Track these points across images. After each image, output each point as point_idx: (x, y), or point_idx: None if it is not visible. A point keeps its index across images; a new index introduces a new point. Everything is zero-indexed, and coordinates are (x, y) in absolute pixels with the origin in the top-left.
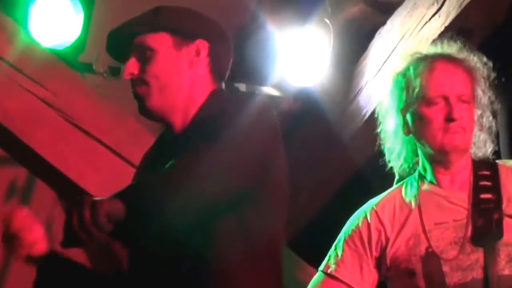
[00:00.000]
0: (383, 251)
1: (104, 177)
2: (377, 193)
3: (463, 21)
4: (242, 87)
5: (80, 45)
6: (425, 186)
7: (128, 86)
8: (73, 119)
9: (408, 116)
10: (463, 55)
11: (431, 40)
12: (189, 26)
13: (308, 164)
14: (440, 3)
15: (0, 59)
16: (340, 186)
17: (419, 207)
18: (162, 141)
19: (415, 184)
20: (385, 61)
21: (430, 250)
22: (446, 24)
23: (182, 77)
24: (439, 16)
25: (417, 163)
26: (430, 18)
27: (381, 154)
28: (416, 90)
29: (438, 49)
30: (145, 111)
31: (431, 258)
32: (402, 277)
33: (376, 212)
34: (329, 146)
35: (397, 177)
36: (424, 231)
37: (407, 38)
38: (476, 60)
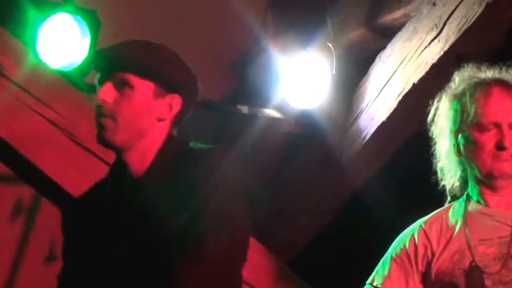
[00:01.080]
0: (428, 266)
1: None
2: (375, 215)
3: (462, 47)
4: (244, 109)
5: (86, 67)
6: (472, 206)
7: None
8: (78, 139)
9: (460, 139)
10: None
11: (431, 65)
12: (173, 80)
13: (308, 187)
14: (439, 28)
15: (8, 80)
16: (338, 208)
17: (465, 225)
18: (117, 180)
19: (462, 204)
20: (385, 84)
21: (473, 264)
22: (446, 48)
23: (149, 125)
24: (439, 41)
25: (467, 183)
26: (430, 43)
27: (378, 176)
28: (471, 116)
29: (496, 74)
30: (104, 142)
31: (474, 272)
32: None
33: (423, 229)
34: (328, 169)
35: (449, 197)
36: (469, 247)
37: (407, 62)
38: None
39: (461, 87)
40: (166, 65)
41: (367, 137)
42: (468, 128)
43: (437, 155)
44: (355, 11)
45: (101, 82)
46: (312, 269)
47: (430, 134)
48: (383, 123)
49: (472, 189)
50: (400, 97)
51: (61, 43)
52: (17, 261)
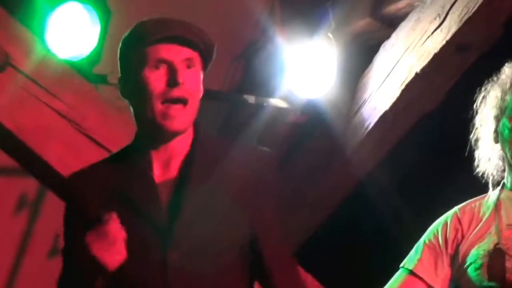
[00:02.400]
0: (457, 248)
1: None
2: (379, 207)
3: (464, 36)
4: (251, 99)
5: (95, 57)
6: (505, 193)
7: None
8: (87, 130)
9: (499, 126)
10: None
11: (433, 54)
12: (211, 58)
13: (312, 177)
14: (442, 17)
15: (16, 70)
16: (341, 200)
17: (495, 210)
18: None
19: (497, 192)
20: (388, 74)
21: (498, 246)
22: (448, 38)
23: (198, 106)
24: (441, 31)
25: (504, 170)
26: (433, 32)
27: (382, 167)
28: (508, 102)
29: None
30: (172, 131)
31: (497, 253)
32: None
33: (457, 215)
34: (332, 159)
35: (490, 186)
36: (497, 231)
37: (411, 51)
38: None
39: (507, 78)
40: (211, 44)
41: (370, 127)
42: (504, 116)
43: (476, 142)
44: (360, 1)
45: (149, 56)
46: (315, 261)
47: (473, 121)
48: (385, 113)
49: (507, 177)
50: (403, 86)
51: (71, 33)
52: (20, 254)
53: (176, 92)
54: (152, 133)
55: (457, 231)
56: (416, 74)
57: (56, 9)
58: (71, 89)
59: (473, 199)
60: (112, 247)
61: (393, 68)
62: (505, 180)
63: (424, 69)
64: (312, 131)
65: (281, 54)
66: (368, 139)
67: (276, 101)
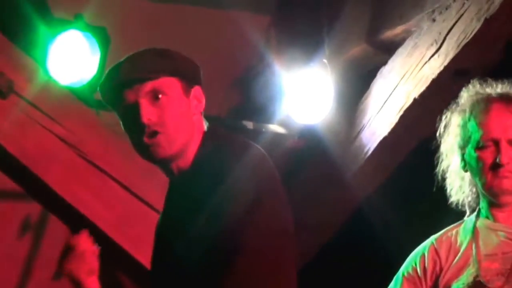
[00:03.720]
0: (436, 280)
1: (116, 213)
2: (378, 230)
3: (461, 62)
4: (249, 124)
5: (96, 83)
6: (481, 221)
7: None
8: (87, 155)
9: (466, 155)
10: None
11: (431, 80)
12: (192, 73)
13: (310, 203)
14: (439, 43)
15: (19, 97)
16: (341, 224)
17: (473, 240)
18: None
19: (473, 220)
20: (386, 100)
21: (477, 279)
22: (445, 64)
23: (190, 124)
24: (438, 56)
25: (478, 198)
26: (430, 58)
27: (381, 191)
28: (470, 132)
29: (498, 89)
30: (159, 158)
31: (477, 286)
32: None
33: (434, 246)
34: (330, 184)
35: (467, 212)
36: (475, 262)
37: (408, 77)
38: None
39: (466, 103)
40: (181, 60)
41: (369, 152)
42: (469, 144)
43: (445, 172)
44: (356, 27)
45: (122, 99)
46: (314, 285)
47: (438, 150)
48: (384, 138)
49: (482, 204)
50: (401, 112)
51: (71, 60)
52: (24, 278)
53: (147, 130)
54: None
55: (435, 263)
56: (414, 99)
57: (57, 37)
58: (72, 114)
59: (450, 227)
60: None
61: (390, 94)
62: (480, 207)
63: (422, 95)
64: (310, 156)
65: (278, 80)
66: (367, 164)
67: (274, 127)
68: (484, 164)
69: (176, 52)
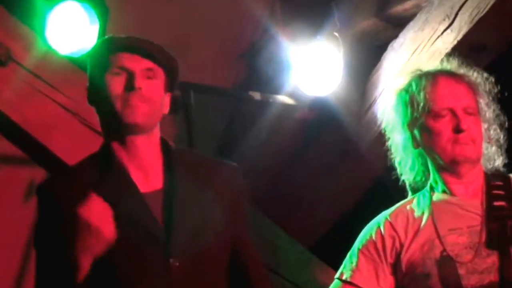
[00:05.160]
0: (397, 257)
1: None
2: (396, 201)
3: (476, 36)
4: (256, 95)
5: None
6: (438, 196)
7: None
8: (89, 122)
9: (416, 131)
10: (463, 70)
11: (444, 54)
12: (176, 80)
13: (325, 175)
14: (451, 18)
15: (19, 65)
16: (359, 194)
17: (432, 215)
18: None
19: (427, 195)
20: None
21: (445, 254)
22: (459, 38)
23: (160, 115)
24: (451, 31)
25: (429, 176)
26: (442, 33)
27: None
28: (421, 104)
29: (437, 66)
30: (134, 123)
31: (446, 261)
32: (418, 282)
33: (389, 222)
34: (346, 155)
35: (409, 191)
36: (439, 237)
37: (420, 51)
38: (476, 75)
39: (406, 80)
40: (176, 65)
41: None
42: (421, 118)
43: (394, 150)
44: (365, 1)
45: (114, 63)
46: (333, 256)
47: (382, 130)
48: None
49: (435, 179)
50: None
51: (70, 30)
52: (30, 243)
53: (132, 97)
54: (117, 131)
55: (394, 239)
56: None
57: (54, 7)
58: (73, 83)
59: (402, 203)
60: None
61: (402, 67)
62: (432, 183)
63: None
64: (322, 127)
65: (285, 52)
66: (381, 137)
67: (282, 98)
68: (442, 133)
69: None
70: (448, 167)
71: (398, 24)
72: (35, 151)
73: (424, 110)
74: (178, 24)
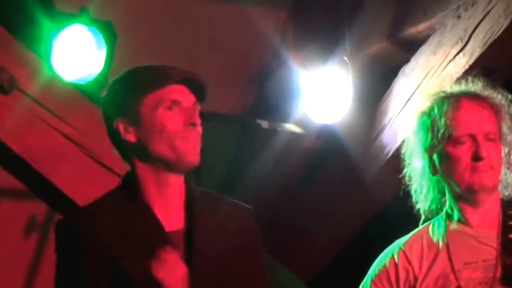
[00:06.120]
0: None
1: None
2: (398, 234)
3: (488, 60)
4: (264, 123)
5: (102, 80)
6: (453, 225)
7: None
8: (94, 154)
9: (435, 156)
10: (487, 92)
11: (456, 78)
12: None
13: (329, 204)
14: (464, 41)
15: (23, 93)
16: (361, 227)
17: (447, 246)
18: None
19: (442, 223)
20: (409, 99)
21: None
22: (471, 62)
23: None
24: (464, 55)
25: (445, 203)
26: (455, 57)
27: (404, 194)
28: (442, 130)
29: (462, 87)
30: (196, 163)
31: None
32: None
33: (403, 251)
34: (351, 186)
35: (423, 217)
36: (453, 271)
37: (431, 76)
38: (500, 98)
39: (427, 103)
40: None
41: (390, 153)
42: (441, 143)
43: (411, 177)
44: (377, 24)
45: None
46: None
47: (401, 155)
48: None
49: (451, 208)
50: None
51: (76, 55)
52: (31, 278)
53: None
54: (165, 168)
55: (407, 272)
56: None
57: (61, 32)
58: (78, 112)
59: (416, 231)
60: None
61: (413, 93)
62: (448, 210)
63: None
64: (328, 156)
65: (294, 78)
66: (388, 165)
67: (290, 126)
68: (461, 160)
69: None
70: (465, 195)
71: (410, 47)
72: (36, 183)
73: (444, 136)
74: (186, 49)
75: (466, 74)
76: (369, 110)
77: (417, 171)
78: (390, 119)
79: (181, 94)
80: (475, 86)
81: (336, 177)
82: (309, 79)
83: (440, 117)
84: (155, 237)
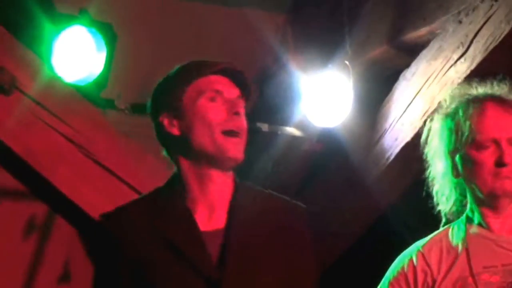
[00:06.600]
0: None
1: None
2: (399, 238)
3: (489, 66)
4: (264, 127)
5: (102, 81)
6: (473, 229)
7: (150, 123)
8: (94, 155)
9: (457, 159)
10: None
11: (457, 84)
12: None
13: (331, 209)
14: (465, 46)
15: (24, 94)
16: (363, 230)
17: (466, 249)
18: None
19: (462, 227)
20: (410, 103)
21: None
22: (472, 67)
23: None
24: (465, 60)
25: (465, 206)
26: (456, 62)
27: (403, 197)
28: (466, 133)
29: (487, 90)
30: (236, 158)
31: None
32: None
33: (422, 254)
34: (352, 190)
35: (444, 219)
36: (472, 274)
37: (432, 81)
38: None
39: (453, 105)
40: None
41: (391, 157)
42: (464, 147)
43: (433, 178)
44: (377, 28)
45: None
46: None
47: (424, 156)
48: (407, 143)
49: (472, 211)
50: (426, 117)
51: (76, 56)
52: (29, 280)
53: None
54: (207, 164)
55: (425, 274)
56: (439, 104)
57: (61, 33)
58: (78, 113)
59: (435, 234)
60: None
61: (414, 98)
62: (469, 214)
63: None
64: (329, 160)
65: (294, 81)
66: (389, 170)
67: (290, 130)
68: (484, 165)
69: None
70: (486, 200)
71: (411, 52)
72: (36, 184)
73: (468, 140)
74: (186, 52)
75: (468, 79)
76: (370, 114)
77: (439, 173)
78: (391, 123)
79: (223, 85)
80: (501, 89)
81: (338, 182)
82: (309, 83)
83: (465, 121)
84: (188, 237)
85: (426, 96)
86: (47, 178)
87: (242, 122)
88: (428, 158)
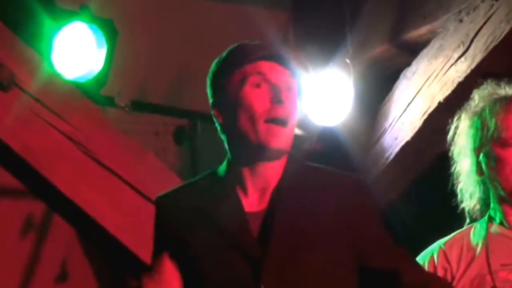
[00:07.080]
0: None
1: (123, 214)
2: (398, 237)
3: (490, 65)
4: None
5: (102, 78)
6: (494, 228)
7: (150, 120)
8: (93, 153)
9: (482, 157)
10: None
11: (457, 83)
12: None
13: None
14: (466, 46)
15: (23, 91)
16: None
17: (486, 248)
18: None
19: (484, 225)
20: (410, 103)
21: None
22: (473, 67)
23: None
24: (465, 59)
25: (489, 205)
26: (456, 61)
27: (402, 197)
28: (491, 130)
29: (510, 89)
30: (272, 147)
31: None
32: None
33: (443, 251)
34: None
35: (468, 218)
36: (490, 272)
37: (433, 80)
38: None
39: (481, 104)
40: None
41: (391, 157)
42: (489, 144)
43: (458, 176)
44: (378, 27)
45: (250, 71)
46: None
47: (450, 154)
48: (407, 143)
49: (494, 210)
50: (426, 116)
51: (77, 53)
52: (27, 279)
53: (276, 113)
54: (252, 153)
55: (445, 270)
56: (439, 103)
57: (62, 29)
58: (77, 110)
59: (458, 232)
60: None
61: (414, 97)
62: (491, 213)
63: (447, 98)
64: (329, 159)
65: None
66: (389, 169)
67: None
68: (507, 163)
69: None
70: (509, 198)
71: (412, 51)
72: (34, 182)
73: (493, 137)
74: (187, 49)
75: (468, 78)
76: (370, 113)
77: (464, 170)
78: (391, 123)
79: (268, 69)
80: None
81: None
82: (309, 81)
83: (491, 118)
84: (232, 217)
85: (426, 95)
86: (46, 176)
87: (286, 110)
88: (454, 156)
